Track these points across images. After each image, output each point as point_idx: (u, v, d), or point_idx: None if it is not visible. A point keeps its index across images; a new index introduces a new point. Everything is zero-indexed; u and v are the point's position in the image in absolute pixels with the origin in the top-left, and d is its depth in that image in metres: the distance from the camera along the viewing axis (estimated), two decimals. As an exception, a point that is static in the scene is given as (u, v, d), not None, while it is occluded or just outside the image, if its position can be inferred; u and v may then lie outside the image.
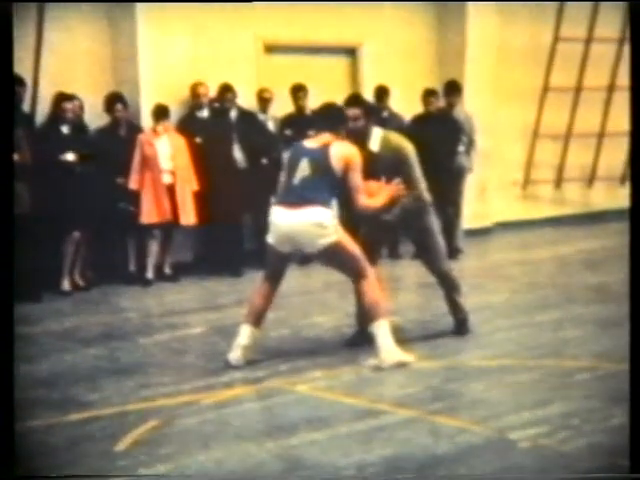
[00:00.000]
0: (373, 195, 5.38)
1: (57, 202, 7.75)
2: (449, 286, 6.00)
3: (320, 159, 5.29)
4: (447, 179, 9.49)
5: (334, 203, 5.42)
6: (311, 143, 5.45)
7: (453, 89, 9.61)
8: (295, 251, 5.45)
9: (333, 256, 5.34)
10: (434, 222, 5.91)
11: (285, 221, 5.30)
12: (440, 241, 5.95)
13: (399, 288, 6.29)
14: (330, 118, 5.48)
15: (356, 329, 5.87)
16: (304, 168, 5.31)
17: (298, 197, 5.28)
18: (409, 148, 5.71)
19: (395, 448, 4.02)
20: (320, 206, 5.24)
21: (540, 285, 7.88)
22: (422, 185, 5.68)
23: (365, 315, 5.69)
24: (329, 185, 5.30)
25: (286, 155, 5.58)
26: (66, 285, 7.98)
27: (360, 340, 5.82)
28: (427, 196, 5.89)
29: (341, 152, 5.30)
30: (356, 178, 5.28)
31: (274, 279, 5.50)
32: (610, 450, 3.89)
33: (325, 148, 5.31)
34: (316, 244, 5.28)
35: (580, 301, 7.03)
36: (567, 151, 11.69)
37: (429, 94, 9.52)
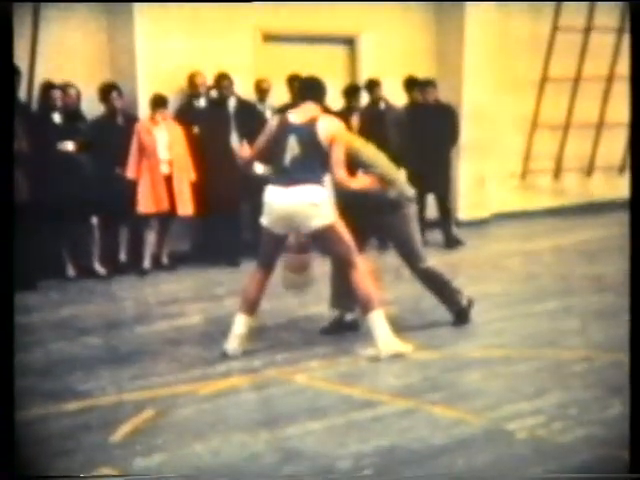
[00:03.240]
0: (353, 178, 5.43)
1: (55, 190, 7.72)
2: (432, 283, 5.90)
3: (308, 136, 5.28)
4: (444, 169, 9.51)
5: (327, 181, 5.40)
6: (296, 117, 5.41)
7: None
8: (290, 231, 5.44)
9: (326, 238, 5.34)
10: (409, 218, 5.75)
11: (280, 201, 5.28)
12: (415, 239, 5.79)
13: (398, 278, 6.28)
14: (313, 88, 5.50)
15: (334, 317, 5.90)
16: (293, 147, 5.29)
17: (291, 177, 5.26)
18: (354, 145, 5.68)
19: (392, 438, 4.01)
20: (314, 185, 5.24)
21: (538, 276, 7.87)
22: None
23: (342, 302, 5.79)
24: (320, 162, 5.30)
25: (271, 125, 5.54)
26: (70, 271, 8.02)
27: (336, 329, 5.84)
28: (408, 190, 5.85)
29: (329, 127, 5.33)
30: (338, 151, 5.30)
31: (267, 267, 5.49)
32: (607, 441, 3.88)
33: (312, 124, 5.31)
34: (311, 224, 5.28)
35: (578, 291, 7.02)
36: (566, 141, 11.66)
37: (426, 84, 9.49)
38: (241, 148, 5.82)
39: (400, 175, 5.88)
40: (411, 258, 5.83)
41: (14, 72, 7.71)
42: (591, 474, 3.66)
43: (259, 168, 5.94)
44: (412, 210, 5.81)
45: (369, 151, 5.79)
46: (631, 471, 3.38)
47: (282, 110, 8.91)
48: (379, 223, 5.78)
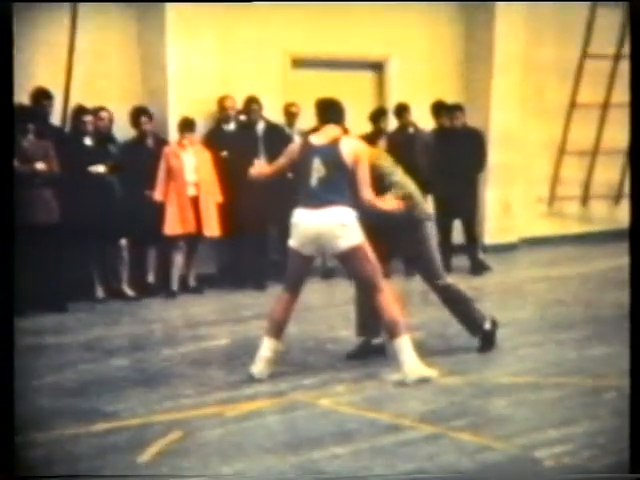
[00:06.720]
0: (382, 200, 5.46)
1: (85, 212, 7.82)
2: (453, 301, 5.89)
3: (332, 157, 5.32)
4: (472, 194, 9.52)
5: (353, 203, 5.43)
6: (319, 139, 5.44)
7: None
8: (318, 253, 5.48)
9: (354, 259, 5.34)
10: (427, 236, 5.79)
11: (309, 222, 5.30)
12: (434, 256, 5.81)
13: (425, 303, 6.28)
14: (332, 110, 5.55)
15: (360, 342, 5.90)
16: (319, 169, 5.33)
17: (319, 199, 5.30)
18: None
19: (418, 464, 4.00)
20: (342, 206, 5.28)
21: (565, 302, 7.82)
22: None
23: (368, 330, 5.79)
24: (346, 183, 5.33)
25: (293, 148, 5.60)
26: (100, 293, 8.09)
27: (362, 353, 5.84)
28: (427, 207, 5.88)
29: (351, 147, 5.38)
30: (363, 171, 5.33)
31: (294, 289, 5.49)
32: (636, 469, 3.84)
33: (335, 145, 5.35)
34: (339, 245, 5.30)
35: (606, 319, 6.97)
36: (594, 168, 11.63)
37: (454, 109, 9.52)
38: (252, 166, 5.87)
39: (418, 192, 5.87)
40: (430, 275, 5.85)
41: (41, 90, 7.93)
42: (592, 474, 3.64)
43: None
44: (431, 228, 5.85)
45: (387, 163, 5.82)
46: (631, 471, 3.36)
47: (309, 133, 9.02)
48: (398, 241, 5.80)
